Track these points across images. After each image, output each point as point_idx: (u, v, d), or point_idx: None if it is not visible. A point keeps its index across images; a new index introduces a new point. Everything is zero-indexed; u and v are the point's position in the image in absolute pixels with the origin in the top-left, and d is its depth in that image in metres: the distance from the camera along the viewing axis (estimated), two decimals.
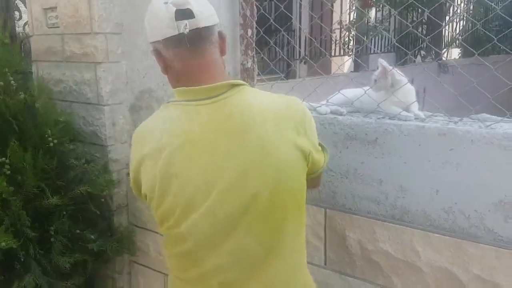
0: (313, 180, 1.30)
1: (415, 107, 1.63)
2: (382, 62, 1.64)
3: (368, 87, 1.69)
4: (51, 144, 1.84)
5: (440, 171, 1.45)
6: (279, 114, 1.14)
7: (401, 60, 6.78)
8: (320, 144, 1.29)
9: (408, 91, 1.65)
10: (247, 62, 1.97)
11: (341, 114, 1.69)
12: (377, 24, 7.03)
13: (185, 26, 1.07)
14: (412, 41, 7.30)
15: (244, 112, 1.11)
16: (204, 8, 1.11)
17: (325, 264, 1.76)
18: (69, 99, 2.22)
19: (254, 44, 1.94)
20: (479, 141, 1.37)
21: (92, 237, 1.87)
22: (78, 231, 1.89)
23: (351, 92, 1.76)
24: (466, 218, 1.43)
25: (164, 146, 1.11)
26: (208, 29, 1.12)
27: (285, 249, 1.18)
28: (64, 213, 1.86)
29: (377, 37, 7.04)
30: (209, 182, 1.09)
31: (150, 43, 1.16)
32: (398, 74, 1.64)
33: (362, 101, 1.70)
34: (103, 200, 1.99)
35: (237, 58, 2.00)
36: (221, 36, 1.19)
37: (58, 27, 2.14)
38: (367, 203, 1.63)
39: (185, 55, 1.12)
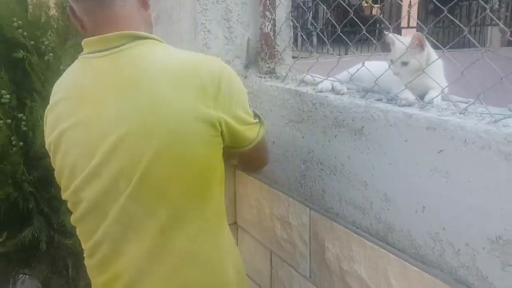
0: (245, 155, 1.18)
1: (436, 91, 1.20)
2: (395, 37, 1.23)
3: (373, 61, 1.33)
4: None
5: (427, 180, 1.06)
6: (182, 72, 0.99)
7: None
8: (255, 114, 1.13)
9: (434, 68, 1.23)
10: (265, 26, 1.74)
11: (338, 93, 1.37)
12: None
13: None
14: None
15: (137, 66, 0.99)
16: None
17: (310, 276, 1.49)
18: None
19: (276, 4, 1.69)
20: (474, 143, 0.95)
21: None
22: None
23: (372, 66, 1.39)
24: (455, 253, 1.02)
25: (58, 102, 1.07)
26: None
27: (180, 222, 1.02)
28: None
29: None
30: (92, 144, 1.00)
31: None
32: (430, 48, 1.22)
33: (373, 79, 1.34)
34: None
35: (256, 22, 1.79)
36: None
37: None
38: (352, 210, 1.30)
39: (93, 7, 1.03)
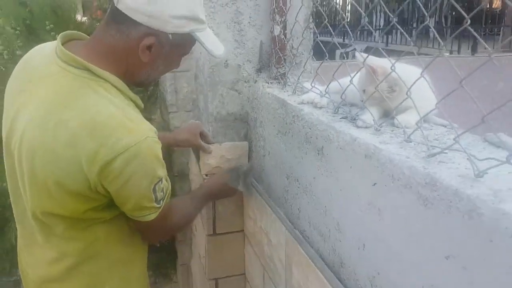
0: (138, 227, 1.16)
1: (412, 114, 1.02)
2: (362, 56, 1.05)
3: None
4: None
5: (366, 215, 0.92)
6: (87, 129, 0.96)
7: None
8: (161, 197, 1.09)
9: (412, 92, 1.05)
10: (274, 29, 1.64)
11: (315, 106, 1.25)
12: None
13: (117, 1, 1.03)
14: None
15: (66, 99, 1.00)
16: (139, 2, 1.00)
17: None
18: None
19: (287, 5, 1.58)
20: (399, 180, 0.80)
21: None
22: None
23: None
24: None
25: (15, 72, 1.14)
26: (124, 17, 1.02)
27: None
28: None
29: None
30: (12, 130, 1.05)
31: None
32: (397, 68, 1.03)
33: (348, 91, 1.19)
34: None
35: (269, 26, 1.69)
36: (142, 43, 1.03)
37: None
38: (317, 235, 1.19)
39: (101, 23, 1.09)
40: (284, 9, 1.62)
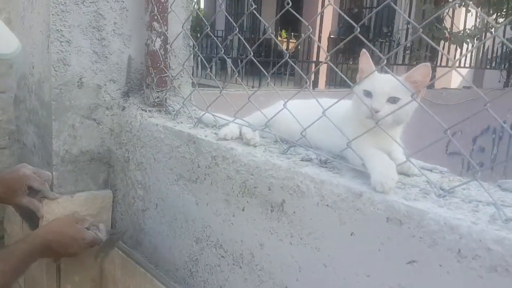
0: None
1: (400, 153, 0.82)
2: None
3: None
4: None
5: None
6: None
7: None
8: None
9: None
10: (152, 41, 1.30)
11: (248, 144, 0.95)
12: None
13: None
14: None
15: None
16: None
17: None
18: None
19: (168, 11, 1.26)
20: (475, 259, 0.57)
21: None
22: None
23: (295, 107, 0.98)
24: None
25: None
26: None
27: None
28: None
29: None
30: None
31: None
32: None
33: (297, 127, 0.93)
34: None
35: (142, 36, 1.35)
36: None
37: None
38: None
39: None
40: (165, 16, 1.28)
